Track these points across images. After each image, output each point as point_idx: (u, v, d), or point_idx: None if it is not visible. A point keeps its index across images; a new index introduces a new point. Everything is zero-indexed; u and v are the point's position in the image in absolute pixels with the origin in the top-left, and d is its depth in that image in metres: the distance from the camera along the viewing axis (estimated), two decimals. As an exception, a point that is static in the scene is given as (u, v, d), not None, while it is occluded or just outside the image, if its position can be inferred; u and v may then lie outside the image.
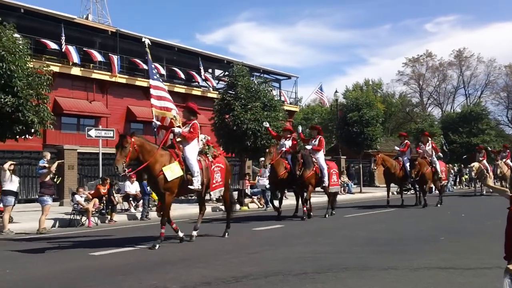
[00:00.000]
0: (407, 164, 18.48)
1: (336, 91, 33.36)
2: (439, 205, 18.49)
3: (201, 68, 34.10)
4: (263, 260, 7.79)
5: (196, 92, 34.27)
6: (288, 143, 14.67)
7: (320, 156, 14.94)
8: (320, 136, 15.23)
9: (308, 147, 15.00)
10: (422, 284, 6.05)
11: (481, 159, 25.26)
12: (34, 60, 16.28)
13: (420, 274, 6.59)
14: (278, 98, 33.03)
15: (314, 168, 14.50)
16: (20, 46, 13.43)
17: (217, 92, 30.63)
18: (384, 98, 64.14)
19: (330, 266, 7.08)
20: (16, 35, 13.97)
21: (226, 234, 10.73)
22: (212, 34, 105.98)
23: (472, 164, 25.41)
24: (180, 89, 33.22)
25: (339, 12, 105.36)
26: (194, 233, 10.32)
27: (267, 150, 14.16)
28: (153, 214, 15.77)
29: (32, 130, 13.79)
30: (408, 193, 25.97)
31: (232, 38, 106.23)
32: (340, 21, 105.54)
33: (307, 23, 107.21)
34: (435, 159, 19.06)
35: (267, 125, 16.31)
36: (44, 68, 14.42)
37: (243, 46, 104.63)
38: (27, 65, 13.63)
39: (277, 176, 14.19)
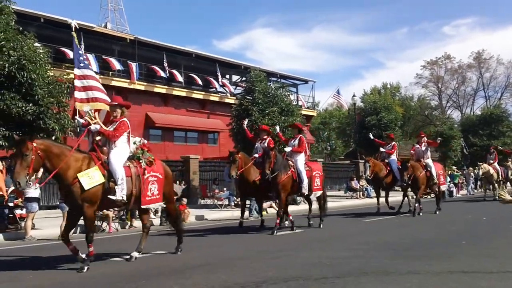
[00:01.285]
0: (394, 166, 17.17)
1: (354, 95, 33.28)
2: (437, 212, 17.11)
3: (219, 74, 34.29)
4: (282, 264, 7.77)
5: (214, 98, 34.49)
6: (264, 146, 12.93)
7: (299, 158, 12.91)
8: (300, 135, 13.29)
9: (288, 149, 13.07)
10: (444, 288, 5.98)
11: (491, 161, 24.43)
12: (54, 68, 16.55)
13: (443, 278, 6.51)
14: (296, 103, 33.05)
15: (289, 172, 12.50)
16: (41, 55, 13.68)
17: (235, 98, 30.81)
18: (403, 101, 63.70)
19: (350, 271, 7.03)
20: (37, 44, 14.24)
21: (179, 250, 9.18)
22: (229, 40, 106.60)
23: (481, 163, 24.53)
24: (198, 95, 33.45)
25: (356, 16, 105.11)
26: (136, 254, 8.68)
27: (231, 158, 12.36)
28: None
29: (53, 138, 13.99)
30: (428, 197, 25.64)
31: (249, 44, 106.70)
32: (357, 25, 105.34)
33: (323, 28, 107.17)
34: (430, 161, 17.43)
35: (245, 124, 14.85)
36: (64, 76, 14.67)
37: (260, 52, 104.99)
38: (48, 73, 13.89)
39: (249, 185, 12.64)
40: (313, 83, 42.37)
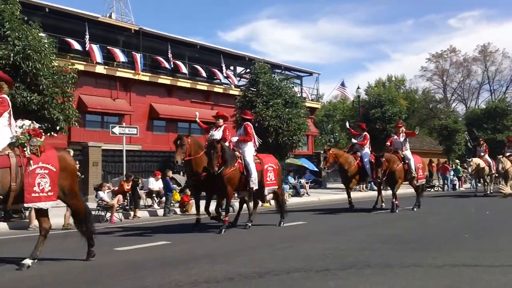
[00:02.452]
0: (366, 160, 15.95)
1: (358, 87, 33.20)
2: (415, 209, 15.80)
3: (223, 65, 34.25)
4: (285, 256, 7.80)
5: (218, 89, 34.48)
6: (219, 134, 11.46)
7: (247, 149, 11.49)
8: (246, 123, 11.93)
9: (234, 139, 11.80)
10: (447, 281, 5.99)
11: (482, 154, 23.29)
12: (59, 58, 16.56)
13: (445, 271, 6.53)
14: (300, 95, 33.00)
15: (236, 164, 11.10)
16: (46, 45, 13.69)
17: (239, 89, 30.79)
18: (407, 94, 63.45)
19: (353, 263, 7.05)
20: (42, 34, 14.26)
21: (91, 256, 7.54)
22: (234, 31, 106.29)
23: (470, 159, 23.33)
24: (202, 86, 33.43)
25: (361, 8, 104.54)
26: (28, 261, 6.96)
27: (178, 142, 10.71)
28: (175, 211, 16.00)
29: (58, 128, 14.07)
30: (432, 190, 25.44)
31: (253, 35, 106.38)
32: (363, 17, 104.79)
33: (329, 20, 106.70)
34: (409, 153, 15.90)
35: (197, 117, 12.81)
36: (69, 67, 14.69)
37: (265, 43, 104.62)
38: (53, 63, 13.92)
39: (196, 176, 11.10)
40: (317, 75, 42.35)
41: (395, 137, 16.27)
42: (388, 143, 16.37)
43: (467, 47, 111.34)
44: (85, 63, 26.78)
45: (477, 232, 10.56)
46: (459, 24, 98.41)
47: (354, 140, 17.00)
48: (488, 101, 57.63)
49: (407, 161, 15.62)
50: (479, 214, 14.68)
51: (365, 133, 16.90)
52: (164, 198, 16.22)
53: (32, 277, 6.60)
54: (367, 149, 16.31)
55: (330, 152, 15.91)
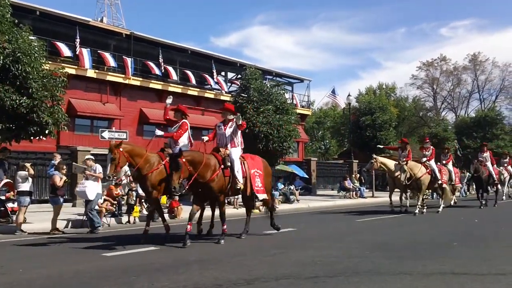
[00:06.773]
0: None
1: (349, 95, 33.29)
2: (243, 236, 11.00)
3: (214, 71, 34.25)
4: (274, 263, 7.78)
5: (209, 94, 34.44)
6: None
7: None
8: None
9: None
10: (436, 289, 6.00)
11: (405, 159, 16.98)
12: (49, 62, 16.43)
13: (433, 279, 6.53)
14: (291, 101, 33.07)
15: None
16: (36, 48, 13.60)
17: (230, 95, 30.80)
18: (397, 102, 63.82)
19: (342, 270, 7.04)
20: (32, 37, 14.16)
21: None
22: (227, 37, 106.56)
23: (375, 157, 18.01)
24: (193, 91, 33.38)
25: (354, 16, 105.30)
26: None
27: None
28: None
29: (47, 131, 13.96)
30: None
31: (246, 41, 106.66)
32: (355, 24, 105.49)
33: (322, 27, 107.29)
34: (236, 152, 10.48)
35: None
36: (59, 70, 14.59)
37: (258, 49, 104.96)
38: (43, 67, 13.82)
39: None
40: (308, 82, 42.47)
41: (221, 126, 10.80)
42: (207, 138, 10.80)
43: (458, 56, 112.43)
44: (75, 67, 26.65)
45: (465, 240, 10.59)
46: (450, 33, 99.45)
47: (159, 132, 11.12)
48: (478, 110, 58.18)
49: (228, 164, 10.19)
50: (468, 223, 14.73)
51: (184, 120, 10.92)
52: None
53: (21, 281, 6.53)
54: (181, 144, 10.59)
55: (121, 150, 9.73)
